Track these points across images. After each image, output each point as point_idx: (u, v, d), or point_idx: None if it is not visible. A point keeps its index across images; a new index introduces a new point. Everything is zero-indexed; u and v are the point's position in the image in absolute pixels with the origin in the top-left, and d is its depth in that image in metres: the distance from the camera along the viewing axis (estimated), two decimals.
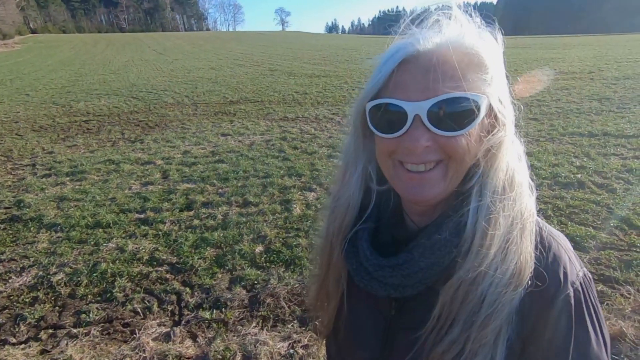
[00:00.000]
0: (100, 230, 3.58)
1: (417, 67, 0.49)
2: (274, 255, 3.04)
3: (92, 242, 3.37)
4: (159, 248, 3.24)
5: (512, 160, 0.52)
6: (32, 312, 2.54)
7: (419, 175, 0.50)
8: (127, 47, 39.90)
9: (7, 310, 2.59)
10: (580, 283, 0.51)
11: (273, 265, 2.92)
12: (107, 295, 2.68)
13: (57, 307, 2.60)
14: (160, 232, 3.48)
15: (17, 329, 2.41)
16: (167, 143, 6.60)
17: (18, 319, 2.49)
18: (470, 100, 0.47)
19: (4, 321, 2.48)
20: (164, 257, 3.11)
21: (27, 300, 2.69)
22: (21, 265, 3.08)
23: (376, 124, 0.53)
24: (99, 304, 2.60)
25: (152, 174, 5.05)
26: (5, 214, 4.04)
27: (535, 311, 0.49)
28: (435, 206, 0.55)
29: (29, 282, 2.89)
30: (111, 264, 3.03)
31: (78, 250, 3.26)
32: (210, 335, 2.24)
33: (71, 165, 5.56)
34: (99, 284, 2.81)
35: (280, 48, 34.10)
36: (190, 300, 2.60)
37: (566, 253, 0.53)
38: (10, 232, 3.66)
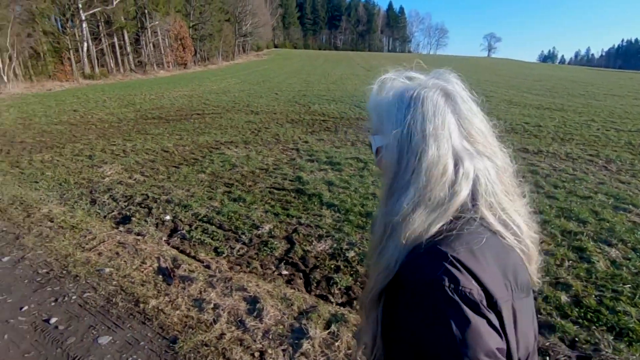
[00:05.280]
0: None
1: None
2: (590, 313, 2.48)
3: (369, 230, 3.63)
4: None
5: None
6: (339, 278, 2.85)
7: None
8: (340, 63, 45.54)
9: (318, 270, 3.00)
10: (432, 284, 0.55)
11: (595, 326, 2.37)
12: None
13: (357, 283, 2.84)
14: None
15: (332, 290, 2.73)
16: None
17: (331, 282, 2.82)
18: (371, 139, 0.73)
19: (319, 279, 2.87)
20: None
21: (331, 266, 3.05)
22: (318, 233, 3.59)
23: None
24: None
25: None
26: (292, 185, 4.92)
27: (393, 298, 0.62)
28: None
29: (327, 249, 3.30)
30: None
31: (360, 235, 3.56)
32: None
33: (327, 156, 6.42)
34: None
35: (487, 74, 31.75)
36: None
37: (433, 261, 0.57)
38: (300, 201, 4.39)
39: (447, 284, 0.54)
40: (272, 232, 3.61)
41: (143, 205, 4.24)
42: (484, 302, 0.55)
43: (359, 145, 7.38)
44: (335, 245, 3.36)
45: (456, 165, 0.60)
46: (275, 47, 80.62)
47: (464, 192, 0.60)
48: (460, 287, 0.54)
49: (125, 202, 4.38)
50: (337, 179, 5.11)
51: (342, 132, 8.78)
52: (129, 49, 29.11)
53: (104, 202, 4.38)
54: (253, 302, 2.35)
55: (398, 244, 0.61)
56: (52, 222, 3.65)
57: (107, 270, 2.68)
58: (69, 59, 22.56)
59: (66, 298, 2.32)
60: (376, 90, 0.71)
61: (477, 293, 0.54)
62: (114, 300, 2.31)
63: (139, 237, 3.39)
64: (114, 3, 24.83)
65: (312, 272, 2.96)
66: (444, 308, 0.54)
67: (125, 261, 2.83)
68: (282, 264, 3.06)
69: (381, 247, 0.64)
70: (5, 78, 16.44)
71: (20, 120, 9.88)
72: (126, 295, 2.37)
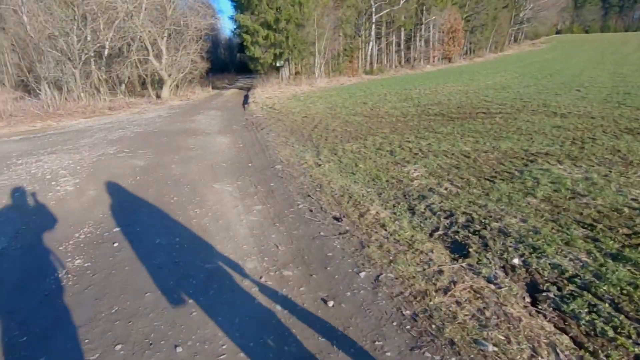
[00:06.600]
0: None
1: None
2: None
3: None
4: None
5: None
6: None
7: None
8: None
9: None
10: None
11: None
12: None
13: None
14: None
15: None
16: None
17: None
18: None
19: None
20: None
21: None
22: None
23: None
24: None
25: None
26: None
27: None
28: None
29: None
30: None
31: None
32: None
33: None
34: None
35: None
36: None
37: None
38: None
39: None
40: None
41: (472, 230, 3.42)
42: None
43: None
44: None
45: None
46: (557, 33, 66.32)
47: None
48: None
49: (446, 218, 3.72)
50: None
51: None
52: (402, 45, 31.00)
53: (423, 212, 3.88)
54: None
55: None
56: (385, 230, 3.40)
57: (490, 348, 1.92)
58: (357, 57, 26.24)
59: None
60: None
61: None
62: None
63: (494, 288, 2.52)
64: (400, 3, 26.64)
65: None
66: None
67: (505, 337, 1.99)
68: None
69: None
70: (316, 74, 20.90)
71: (328, 110, 11.76)
72: None
